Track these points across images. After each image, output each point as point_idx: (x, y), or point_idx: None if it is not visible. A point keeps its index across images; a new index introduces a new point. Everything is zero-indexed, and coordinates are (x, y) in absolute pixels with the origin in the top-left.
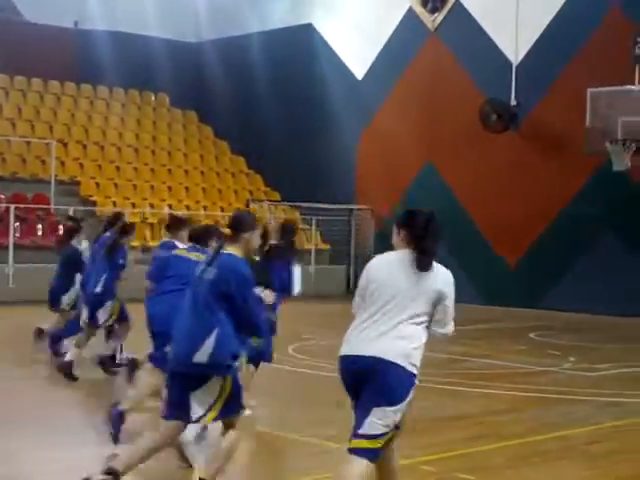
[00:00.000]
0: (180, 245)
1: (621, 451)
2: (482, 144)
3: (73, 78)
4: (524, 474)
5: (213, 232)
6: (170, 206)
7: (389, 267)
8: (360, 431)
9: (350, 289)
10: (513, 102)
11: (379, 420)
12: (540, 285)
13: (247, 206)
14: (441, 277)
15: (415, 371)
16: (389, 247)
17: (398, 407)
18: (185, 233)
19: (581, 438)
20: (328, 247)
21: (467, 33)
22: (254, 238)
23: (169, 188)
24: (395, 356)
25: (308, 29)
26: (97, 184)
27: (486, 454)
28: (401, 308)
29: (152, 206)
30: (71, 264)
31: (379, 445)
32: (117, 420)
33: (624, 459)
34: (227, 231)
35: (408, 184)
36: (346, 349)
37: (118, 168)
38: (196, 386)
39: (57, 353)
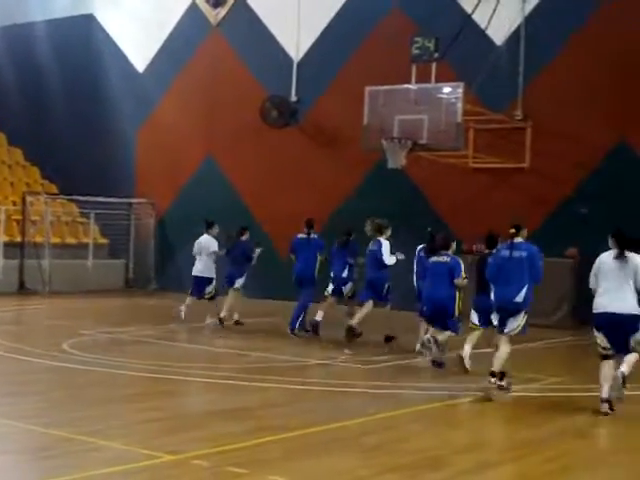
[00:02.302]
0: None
1: (393, 441)
2: (263, 139)
3: None
4: (298, 466)
5: (450, 239)
6: None
7: (609, 259)
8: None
9: (129, 283)
10: (294, 98)
11: (632, 340)
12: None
13: (23, 199)
14: (632, 260)
15: (637, 313)
16: (169, 241)
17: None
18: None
19: (355, 429)
20: (107, 241)
21: (249, 29)
22: (525, 232)
23: None
24: (631, 309)
25: (89, 19)
26: None
27: (261, 447)
28: (621, 282)
29: None
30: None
31: None
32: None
33: (397, 449)
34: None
35: (188, 178)
36: (601, 308)
37: None
38: (512, 315)
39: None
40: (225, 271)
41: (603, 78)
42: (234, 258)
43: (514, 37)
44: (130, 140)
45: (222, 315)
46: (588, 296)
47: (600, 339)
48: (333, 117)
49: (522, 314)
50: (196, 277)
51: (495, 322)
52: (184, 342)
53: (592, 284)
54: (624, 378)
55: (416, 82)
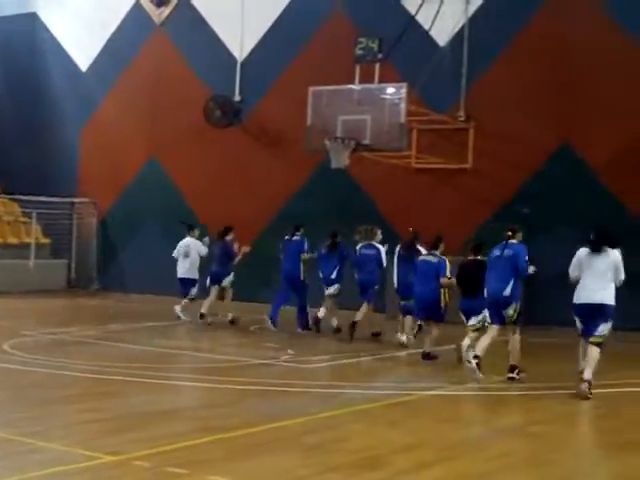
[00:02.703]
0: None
1: (334, 441)
2: (207, 140)
3: None
4: (239, 466)
5: (439, 240)
6: None
7: (586, 253)
8: (596, 333)
9: (71, 283)
10: (237, 98)
11: (605, 328)
12: (262, 278)
13: None
14: (611, 255)
15: (614, 304)
16: (111, 241)
17: (610, 323)
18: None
19: (296, 429)
20: (49, 241)
21: (193, 28)
22: (520, 235)
23: None
24: (605, 299)
25: (32, 18)
26: None
27: (202, 447)
28: (599, 275)
29: None
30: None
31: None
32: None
33: (337, 449)
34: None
35: (132, 178)
36: (579, 299)
37: None
38: (504, 307)
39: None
40: (208, 271)
41: (546, 79)
42: (219, 258)
43: (457, 38)
44: (73, 139)
45: (202, 311)
46: (527, 296)
47: (578, 324)
48: (277, 117)
49: (513, 305)
50: (181, 279)
51: (488, 318)
52: (126, 342)
53: (572, 276)
54: (589, 384)
55: (360, 83)
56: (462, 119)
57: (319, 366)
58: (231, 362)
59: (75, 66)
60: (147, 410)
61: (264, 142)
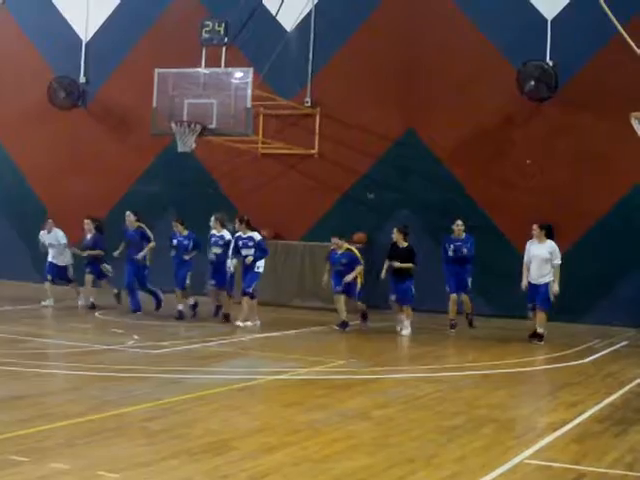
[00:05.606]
0: None
1: (179, 426)
2: (51, 121)
3: None
4: (81, 453)
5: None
6: None
7: (532, 245)
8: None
9: None
10: (82, 79)
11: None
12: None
13: None
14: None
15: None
16: None
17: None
18: None
19: (140, 415)
20: None
21: (37, 8)
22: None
23: None
24: (545, 279)
25: None
26: None
27: (43, 435)
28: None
29: None
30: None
31: None
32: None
33: (181, 434)
34: None
35: None
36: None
37: None
38: None
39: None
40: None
41: (392, 66)
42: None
43: (304, 24)
44: None
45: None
46: (376, 280)
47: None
48: (122, 99)
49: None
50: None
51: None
52: None
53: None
54: (542, 336)
55: (206, 66)
56: (308, 105)
57: (165, 352)
58: (75, 348)
59: None
60: None
61: (109, 124)
